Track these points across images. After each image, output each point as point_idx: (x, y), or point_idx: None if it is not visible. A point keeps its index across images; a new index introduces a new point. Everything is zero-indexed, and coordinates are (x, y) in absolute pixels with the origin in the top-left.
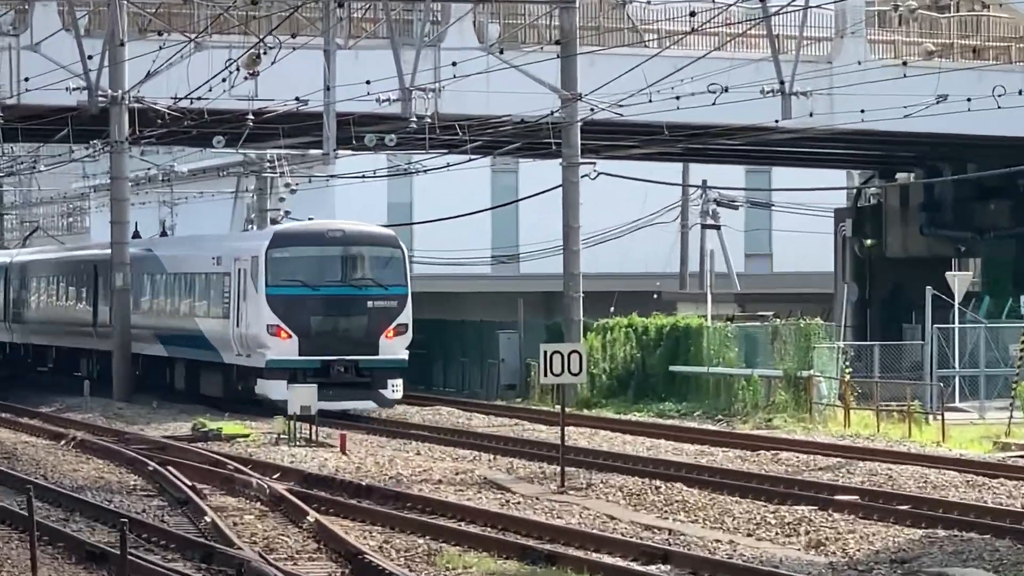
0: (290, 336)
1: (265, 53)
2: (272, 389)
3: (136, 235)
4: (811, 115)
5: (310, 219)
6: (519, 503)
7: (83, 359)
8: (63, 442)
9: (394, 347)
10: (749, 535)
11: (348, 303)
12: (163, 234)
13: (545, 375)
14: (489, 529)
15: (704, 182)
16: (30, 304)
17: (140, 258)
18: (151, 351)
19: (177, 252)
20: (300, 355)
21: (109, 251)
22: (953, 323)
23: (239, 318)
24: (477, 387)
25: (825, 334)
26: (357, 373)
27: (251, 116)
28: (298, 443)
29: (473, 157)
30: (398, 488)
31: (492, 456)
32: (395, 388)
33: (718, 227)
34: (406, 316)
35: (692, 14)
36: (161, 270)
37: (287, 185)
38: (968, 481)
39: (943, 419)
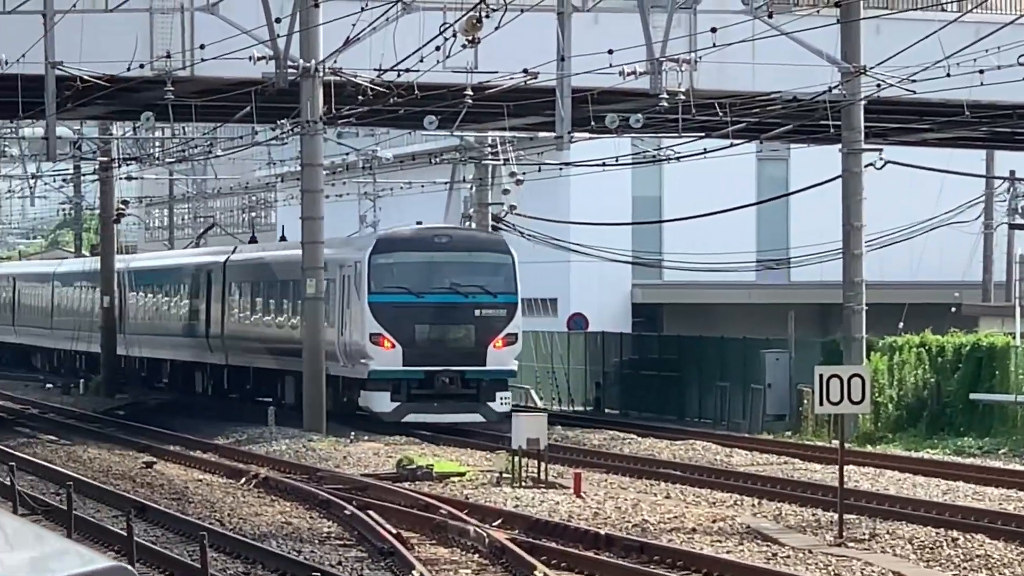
0: (394, 345)
1: (487, 16)
2: (375, 401)
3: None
4: None
5: (418, 223)
6: (788, 557)
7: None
8: (243, 480)
9: (502, 357)
10: None
11: (454, 311)
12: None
13: (820, 404)
14: None
15: (1012, 173)
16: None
17: (252, 264)
18: (261, 364)
19: (287, 258)
20: (404, 365)
21: (220, 255)
22: None
23: (342, 327)
24: (739, 417)
25: None
26: (463, 384)
27: (469, 92)
28: (524, 483)
29: (735, 142)
30: (643, 538)
31: (756, 500)
32: (504, 401)
33: None
34: (515, 325)
35: None
36: (272, 278)
37: (512, 174)
38: None
39: None
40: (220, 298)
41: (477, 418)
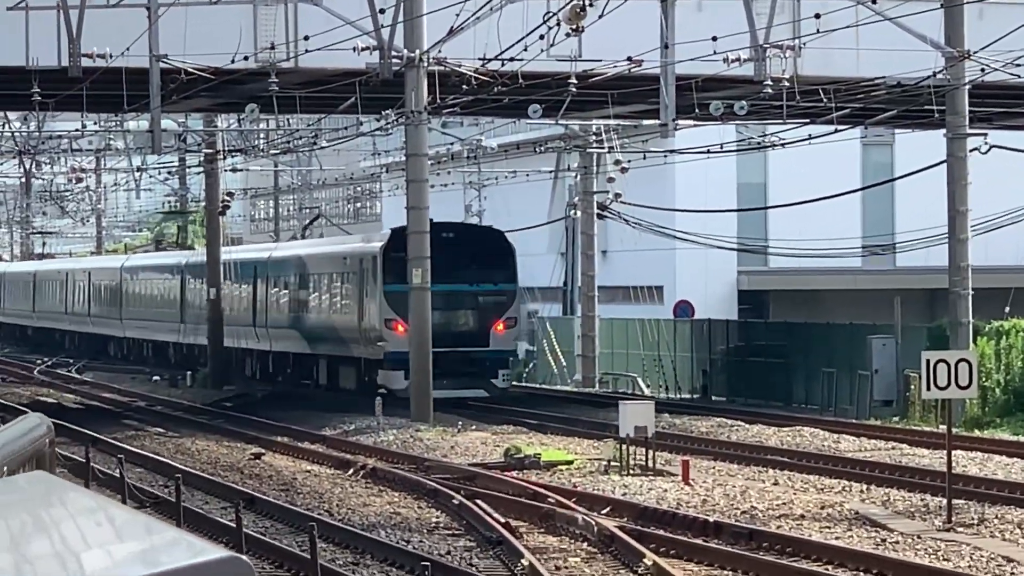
0: (406, 329)
1: (591, 5)
2: (391, 379)
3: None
4: None
5: (429, 220)
6: (897, 542)
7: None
8: (351, 471)
9: (504, 339)
10: None
11: (460, 298)
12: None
13: (928, 389)
14: (860, 573)
15: None
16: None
17: (285, 259)
18: (297, 349)
19: (316, 252)
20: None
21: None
22: None
23: (362, 313)
24: (845, 403)
25: None
26: (469, 363)
27: (574, 80)
28: (632, 471)
29: (840, 128)
30: (751, 525)
31: (864, 486)
32: (505, 377)
33: None
34: (515, 310)
35: None
36: (304, 270)
37: (617, 162)
38: None
39: None
40: (264, 291)
41: (482, 393)
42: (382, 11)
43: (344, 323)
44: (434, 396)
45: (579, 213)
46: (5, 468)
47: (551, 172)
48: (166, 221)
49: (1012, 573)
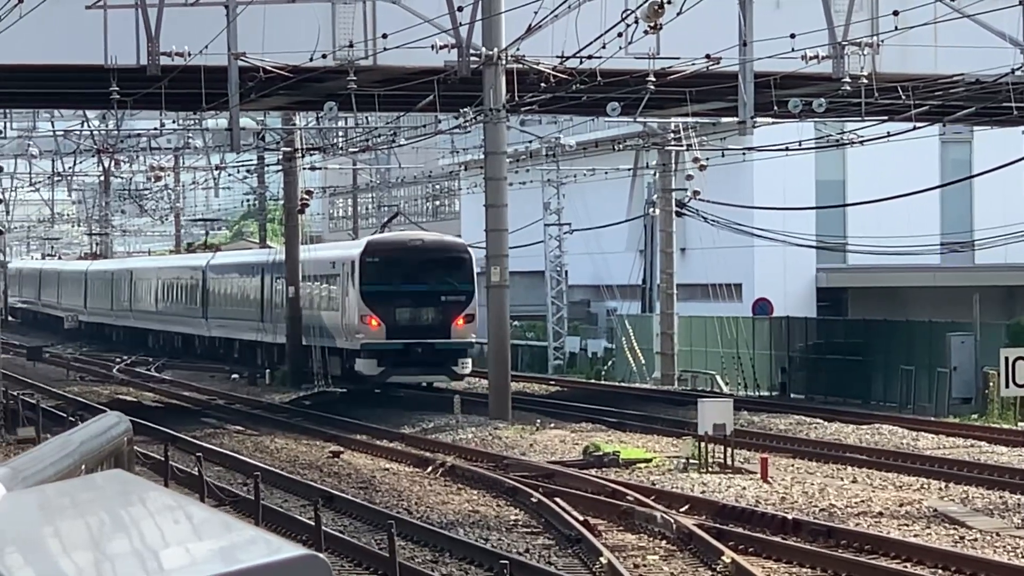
0: (379, 324)
1: (669, 2)
2: (366, 366)
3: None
4: None
5: (402, 230)
6: (976, 540)
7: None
8: (429, 469)
9: (462, 332)
10: None
11: (425, 297)
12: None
13: (1007, 386)
14: (939, 570)
15: None
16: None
17: (283, 263)
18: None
19: (307, 257)
20: (387, 339)
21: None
22: None
23: (344, 311)
24: (924, 401)
25: None
26: (433, 353)
27: (652, 78)
28: (710, 469)
29: (918, 125)
30: (830, 522)
31: (943, 484)
32: (464, 365)
33: None
34: (472, 308)
35: None
36: (303, 272)
37: (696, 160)
38: None
39: None
40: (269, 289)
41: (444, 379)
42: (460, 9)
43: (331, 319)
44: (402, 380)
45: (658, 211)
46: (84, 467)
47: (629, 170)
48: (245, 219)
49: None
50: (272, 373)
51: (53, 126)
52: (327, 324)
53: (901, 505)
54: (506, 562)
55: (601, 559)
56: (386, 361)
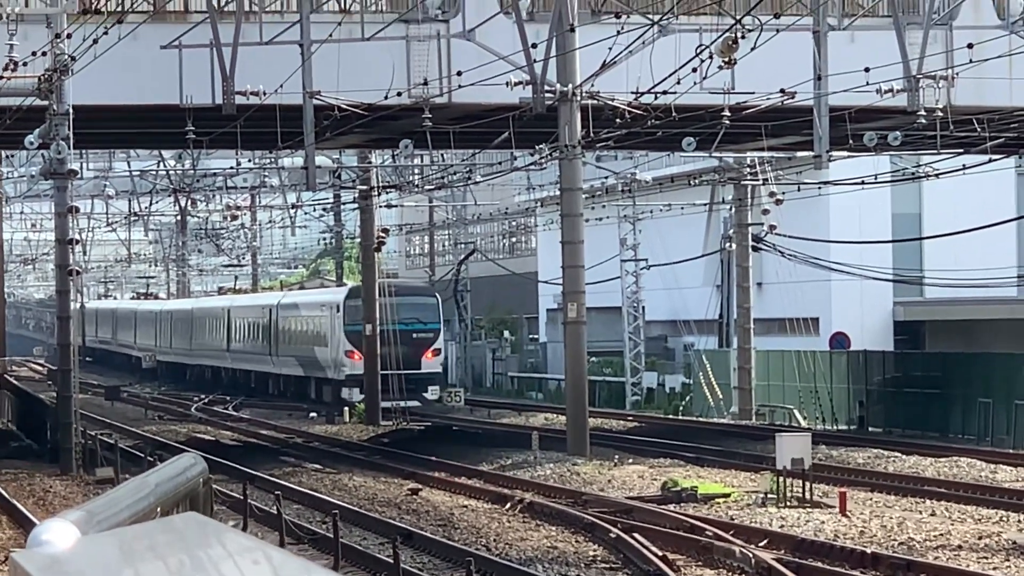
0: (361, 358)
1: (743, 37)
2: (349, 394)
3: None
4: None
5: (383, 279)
6: None
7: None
8: (508, 505)
9: (432, 364)
10: None
11: (399, 335)
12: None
13: None
14: None
15: None
16: None
17: (288, 304)
18: (295, 372)
19: (304, 300)
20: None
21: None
22: None
23: (331, 346)
24: (1002, 433)
25: None
26: (406, 382)
27: (727, 112)
28: (789, 503)
29: (994, 157)
30: (909, 556)
31: (1022, 516)
32: (433, 391)
33: None
34: (439, 343)
35: None
36: (298, 313)
37: (771, 194)
38: None
39: None
40: (276, 327)
41: (416, 404)
42: (534, 45)
43: (321, 353)
44: (383, 405)
45: (734, 245)
46: (159, 509)
47: (705, 205)
48: (321, 257)
49: None
50: (351, 411)
51: (129, 166)
52: (319, 358)
53: (980, 538)
54: None
55: None
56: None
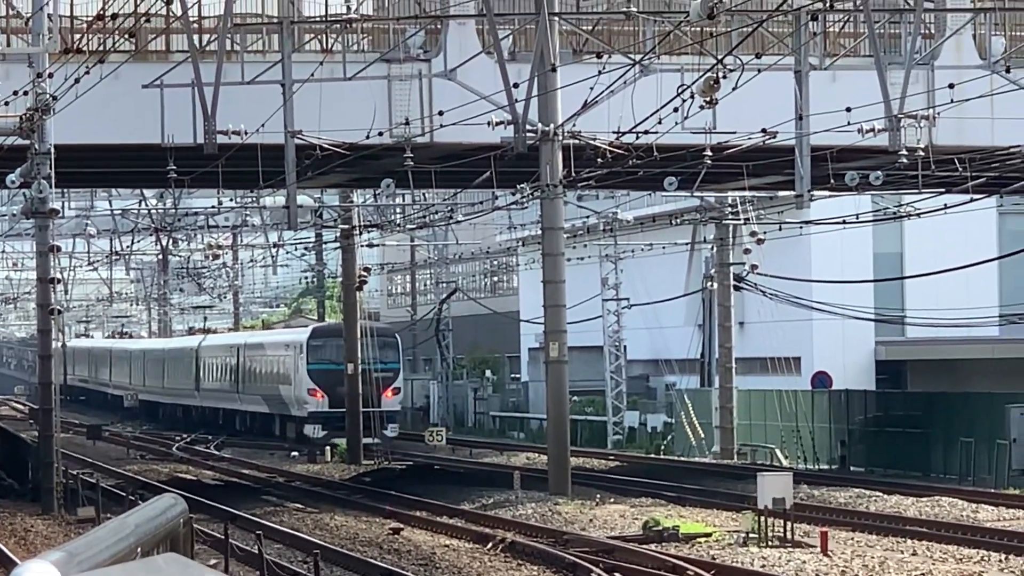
0: (323, 396)
1: (725, 77)
2: (311, 430)
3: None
4: None
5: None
6: None
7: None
8: (490, 545)
9: (391, 403)
10: None
11: (360, 374)
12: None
13: None
14: None
15: None
16: None
17: (254, 344)
18: (261, 409)
19: (269, 340)
20: (329, 408)
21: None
22: None
23: (294, 385)
24: (984, 472)
25: None
26: (367, 419)
27: (708, 152)
28: (770, 543)
29: (975, 197)
30: None
31: (1003, 556)
32: (393, 428)
33: None
34: (399, 382)
35: None
36: (263, 352)
37: (753, 234)
38: None
39: None
40: (242, 366)
41: (376, 440)
42: (516, 85)
43: (285, 391)
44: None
45: (715, 285)
46: (139, 549)
47: (687, 244)
48: (303, 296)
49: None
50: (332, 450)
51: (111, 205)
52: (283, 396)
53: None
54: None
55: None
56: (329, 426)
